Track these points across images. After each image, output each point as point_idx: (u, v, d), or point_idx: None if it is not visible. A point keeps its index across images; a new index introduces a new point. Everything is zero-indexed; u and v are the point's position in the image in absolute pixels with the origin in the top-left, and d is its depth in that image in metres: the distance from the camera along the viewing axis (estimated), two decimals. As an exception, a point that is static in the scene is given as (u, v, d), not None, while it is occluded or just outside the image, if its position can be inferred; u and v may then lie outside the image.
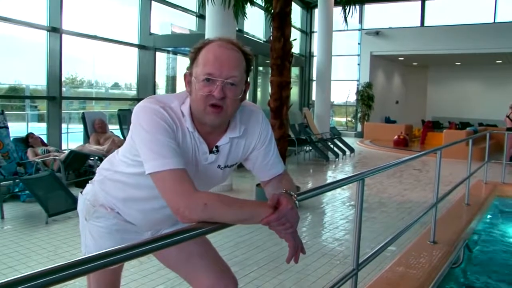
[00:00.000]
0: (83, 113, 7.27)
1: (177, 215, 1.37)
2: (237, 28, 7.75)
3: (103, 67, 10.96)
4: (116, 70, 11.30)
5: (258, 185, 6.40)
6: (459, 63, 20.97)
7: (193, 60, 1.49)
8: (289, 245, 1.48)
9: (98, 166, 6.28)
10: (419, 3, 18.64)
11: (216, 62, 1.43)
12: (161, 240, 1.21)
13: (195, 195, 1.36)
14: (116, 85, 12.04)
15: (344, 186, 8.25)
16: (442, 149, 4.20)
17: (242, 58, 1.49)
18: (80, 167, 6.72)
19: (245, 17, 6.57)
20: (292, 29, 6.38)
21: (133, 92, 11.52)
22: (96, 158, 6.54)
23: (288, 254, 1.49)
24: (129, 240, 1.76)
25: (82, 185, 6.64)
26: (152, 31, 10.70)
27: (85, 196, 1.82)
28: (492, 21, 17.41)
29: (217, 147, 1.58)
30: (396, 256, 3.95)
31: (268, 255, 4.33)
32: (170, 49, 11.50)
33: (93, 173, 6.43)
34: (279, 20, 6.07)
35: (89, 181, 1.88)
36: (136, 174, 1.60)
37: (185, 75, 1.53)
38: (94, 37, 9.42)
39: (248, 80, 1.56)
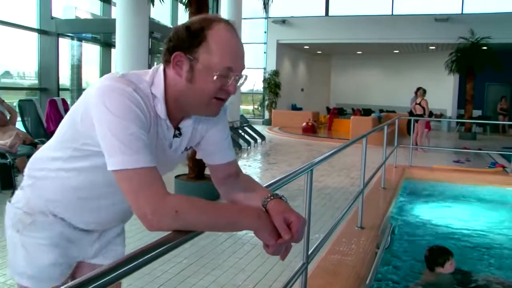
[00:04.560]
0: (-24, 104, 6.53)
1: (144, 222, 1.15)
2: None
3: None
4: (8, 56, 10.26)
5: (177, 176, 6.17)
6: (360, 52, 21.99)
7: (198, 43, 1.26)
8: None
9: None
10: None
11: (235, 54, 1.28)
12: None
13: (165, 200, 1.15)
14: (7, 74, 10.97)
15: (259, 174, 8.31)
16: (367, 135, 4.29)
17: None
18: (-23, 165, 6.03)
19: (161, 1, 6.24)
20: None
21: (28, 82, 10.60)
22: (-4, 154, 5.90)
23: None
24: (70, 255, 1.54)
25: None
26: (54, 15, 9.86)
27: (16, 204, 1.51)
28: (390, 13, 18.45)
29: (179, 129, 1.40)
30: (327, 244, 3.96)
31: (197, 250, 4.17)
32: (74, 35, 10.71)
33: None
34: (196, 5, 5.84)
35: (18, 188, 1.56)
36: (85, 167, 1.37)
37: (176, 55, 1.28)
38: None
39: None
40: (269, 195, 1.29)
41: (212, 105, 1.31)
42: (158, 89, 1.30)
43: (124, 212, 1.56)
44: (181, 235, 1.16)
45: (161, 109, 1.30)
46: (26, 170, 1.54)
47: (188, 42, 1.26)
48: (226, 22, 1.31)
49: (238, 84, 1.32)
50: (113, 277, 0.93)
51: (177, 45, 1.28)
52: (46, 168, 1.45)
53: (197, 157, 1.56)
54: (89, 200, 1.46)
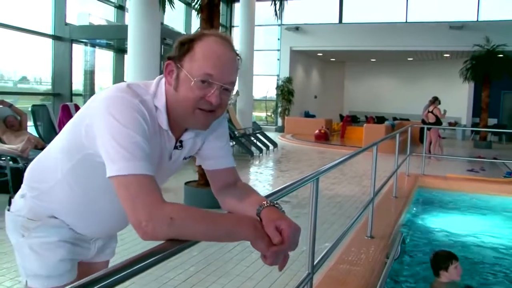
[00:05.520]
0: (-10, 109, 6.58)
1: (138, 230, 1.13)
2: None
3: (8, 59, 10.03)
4: (24, 62, 10.38)
5: (186, 183, 6.16)
6: (374, 60, 21.89)
7: (185, 52, 1.30)
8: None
9: (10, 166, 5.74)
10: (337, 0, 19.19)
11: (218, 63, 1.28)
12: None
13: (161, 208, 1.13)
14: (24, 79, 11.10)
15: (270, 181, 8.28)
16: (378, 144, 4.23)
17: (237, 60, 1.35)
18: (-11, 169, 6.07)
19: (172, 7, 6.25)
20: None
21: (43, 87, 10.71)
22: (9, 158, 5.95)
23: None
24: (76, 252, 1.56)
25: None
26: (68, 21, 9.96)
27: (17, 213, 1.52)
28: (404, 20, 18.35)
29: (181, 142, 1.42)
30: (335, 253, 3.91)
31: (204, 258, 4.14)
32: (88, 41, 10.79)
33: (4, 175, 5.90)
34: (208, 11, 5.86)
35: (16, 196, 1.56)
36: (89, 178, 1.40)
37: (167, 64, 1.33)
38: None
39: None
40: (263, 203, 1.27)
41: (198, 116, 1.31)
42: (160, 101, 1.33)
43: (124, 221, 1.57)
44: (180, 243, 1.14)
45: (163, 120, 1.33)
46: (26, 181, 1.54)
47: (178, 51, 1.31)
48: (221, 36, 1.34)
49: (229, 99, 1.34)
50: (111, 282, 0.92)
51: (171, 55, 1.33)
52: (50, 179, 1.46)
53: (196, 163, 1.55)
54: (92, 210, 1.49)
